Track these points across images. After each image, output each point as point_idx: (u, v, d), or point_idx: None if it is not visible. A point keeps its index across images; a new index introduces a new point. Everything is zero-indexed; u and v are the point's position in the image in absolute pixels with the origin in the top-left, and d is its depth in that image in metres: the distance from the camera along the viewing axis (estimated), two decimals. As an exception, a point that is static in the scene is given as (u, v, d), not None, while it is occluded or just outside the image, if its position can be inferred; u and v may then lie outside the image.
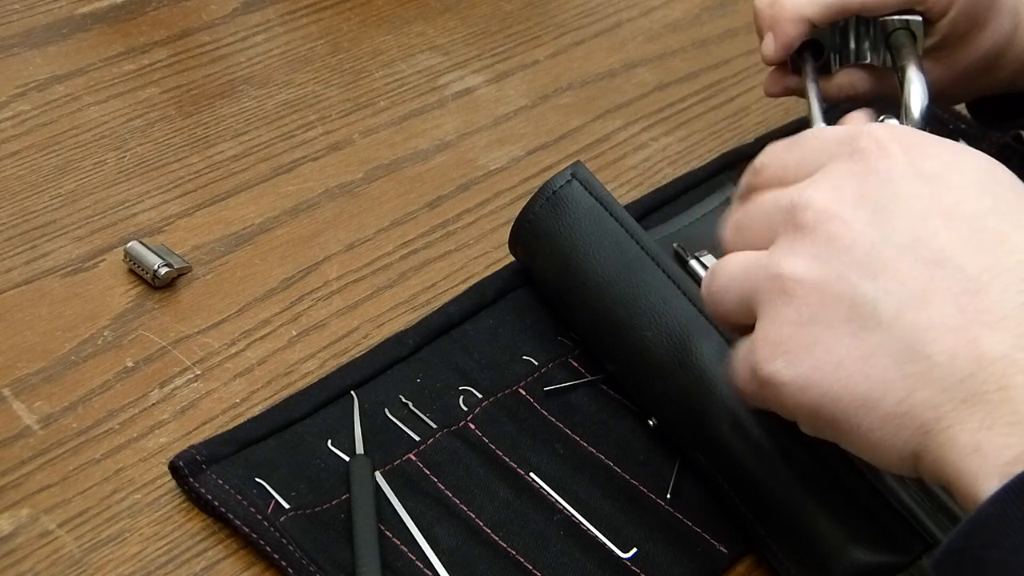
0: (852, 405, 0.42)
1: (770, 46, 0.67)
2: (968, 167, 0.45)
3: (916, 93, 0.63)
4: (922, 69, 0.64)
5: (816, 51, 0.69)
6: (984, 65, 0.68)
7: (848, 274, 0.43)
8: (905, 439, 0.41)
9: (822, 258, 0.43)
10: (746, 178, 0.51)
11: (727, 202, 0.70)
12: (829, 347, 0.42)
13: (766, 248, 0.46)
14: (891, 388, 0.41)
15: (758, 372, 0.44)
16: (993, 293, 0.41)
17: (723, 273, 0.48)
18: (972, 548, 0.38)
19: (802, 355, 0.43)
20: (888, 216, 0.43)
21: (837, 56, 0.70)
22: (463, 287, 0.66)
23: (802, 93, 0.69)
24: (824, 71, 0.70)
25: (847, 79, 0.70)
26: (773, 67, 0.70)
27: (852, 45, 0.69)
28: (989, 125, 0.77)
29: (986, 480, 0.38)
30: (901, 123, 0.63)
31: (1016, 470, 0.38)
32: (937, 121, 0.81)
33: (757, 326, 0.45)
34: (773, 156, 0.49)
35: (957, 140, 0.47)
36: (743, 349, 0.46)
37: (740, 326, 0.47)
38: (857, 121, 0.50)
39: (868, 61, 0.69)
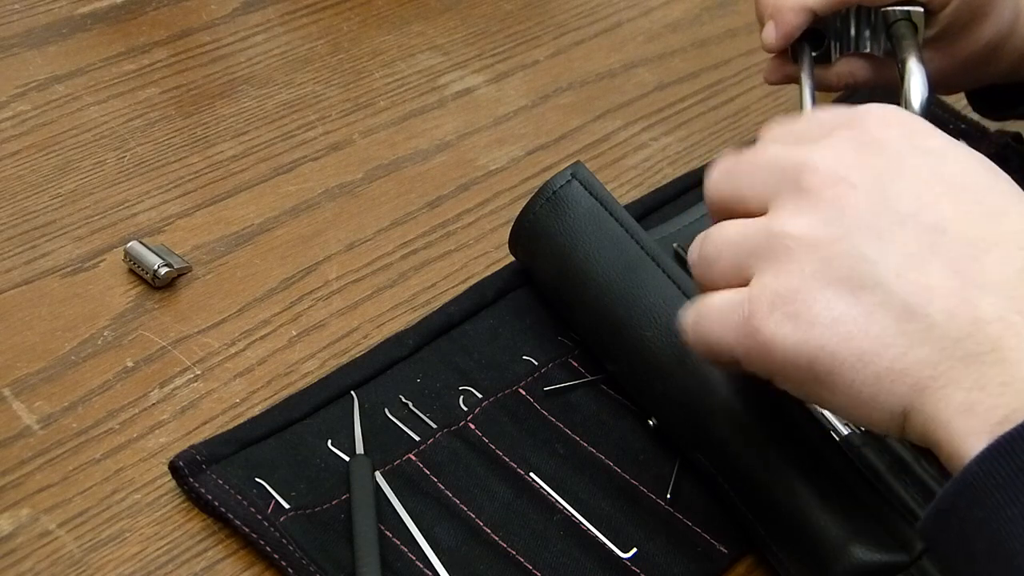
0: (849, 360, 0.42)
1: (771, 34, 0.67)
2: (967, 152, 0.46)
3: (916, 85, 0.63)
4: (922, 60, 0.64)
5: (816, 40, 0.69)
6: (984, 55, 0.69)
7: (851, 236, 0.43)
8: (899, 396, 0.42)
9: (827, 220, 0.44)
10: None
11: None
12: (829, 303, 0.43)
13: (759, 212, 0.46)
14: (889, 344, 0.42)
15: (752, 323, 0.44)
16: (991, 260, 0.42)
17: (718, 237, 0.48)
18: (958, 508, 0.39)
19: (801, 309, 0.43)
20: (892, 183, 0.44)
21: (838, 44, 0.70)
22: (463, 287, 0.66)
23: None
24: (824, 59, 0.70)
25: (847, 68, 0.70)
26: (774, 55, 0.70)
27: (852, 34, 0.70)
28: (988, 114, 0.78)
29: (976, 439, 0.39)
30: None
31: (1004, 430, 0.38)
32: (937, 122, 0.81)
33: (753, 282, 0.45)
34: (779, 124, 0.50)
35: (958, 141, 0.48)
36: (730, 303, 0.46)
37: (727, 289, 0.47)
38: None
39: (868, 50, 0.70)
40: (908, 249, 0.43)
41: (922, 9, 0.66)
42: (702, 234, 0.49)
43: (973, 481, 0.38)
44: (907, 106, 0.63)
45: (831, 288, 0.43)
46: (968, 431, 0.40)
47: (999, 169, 0.46)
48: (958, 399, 0.40)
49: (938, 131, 0.47)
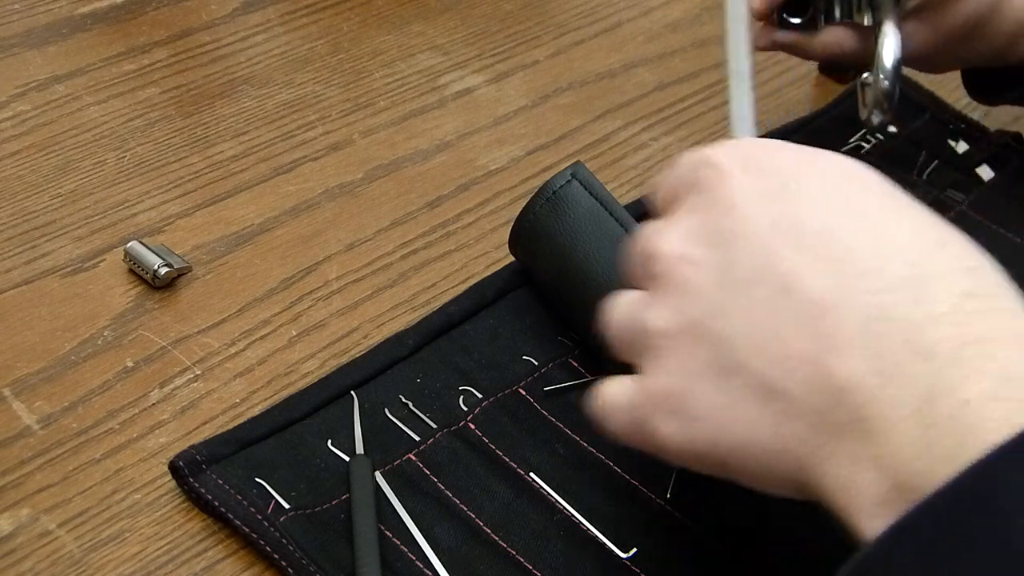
0: (734, 448, 0.41)
1: None
2: (811, 173, 0.42)
3: (889, 47, 0.64)
4: (899, 25, 0.65)
5: (801, 7, 0.71)
6: (965, 33, 0.69)
7: (702, 319, 0.41)
8: (788, 473, 0.40)
9: (678, 307, 0.42)
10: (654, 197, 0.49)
11: None
12: (704, 395, 0.41)
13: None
14: (759, 428, 0.40)
15: (646, 428, 0.43)
16: (839, 314, 0.38)
17: (613, 314, 0.46)
18: None
19: (681, 406, 0.42)
20: (732, 248, 0.41)
21: (823, 15, 0.71)
22: (463, 287, 0.66)
23: (790, 49, 0.72)
24: (811, 27, 0.71)
25: (832, 37, 0.71)
26: (762, 22, 0.71)
27: (837, 2, 0.70)
28: (980, 98, 0.78)
29: (864, 519, 0.37)
30: (875, 77, 0.65)
31: (888, 512, 0.36)
32: (939, 122, 0.82)
33: (642, 380, 0.44)
34: (661, 179, 0.48)
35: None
36: (627, 404, 0.45)
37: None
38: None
39: (853, 20, 0.70)
40: (757, 319, 0.40)
41: None
42: (612, 300, 0.47)
43: (873, 567, 0.35)
44: (880, 67, 0.64)
45: (703, 379, 0.41)
46: (853, 510, 0.37)
47: (851, 166, 0.43)
48: (835, 475, 0.38)
49: (779, 156, 0.43)
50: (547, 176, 0.64)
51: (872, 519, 0.36)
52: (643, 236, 0.46)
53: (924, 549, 0.34)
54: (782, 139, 0.58)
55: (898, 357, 0.37)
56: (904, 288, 0.38)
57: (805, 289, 0.39)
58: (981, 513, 0.33)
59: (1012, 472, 0.33)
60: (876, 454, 0.36)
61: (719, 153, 0.44)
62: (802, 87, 0.86)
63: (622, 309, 0.46)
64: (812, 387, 0.38)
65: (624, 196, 0.74)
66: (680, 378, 0.42)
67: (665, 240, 0.44)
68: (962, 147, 0.80)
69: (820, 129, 0.81)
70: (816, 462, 0.38)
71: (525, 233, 0.63)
